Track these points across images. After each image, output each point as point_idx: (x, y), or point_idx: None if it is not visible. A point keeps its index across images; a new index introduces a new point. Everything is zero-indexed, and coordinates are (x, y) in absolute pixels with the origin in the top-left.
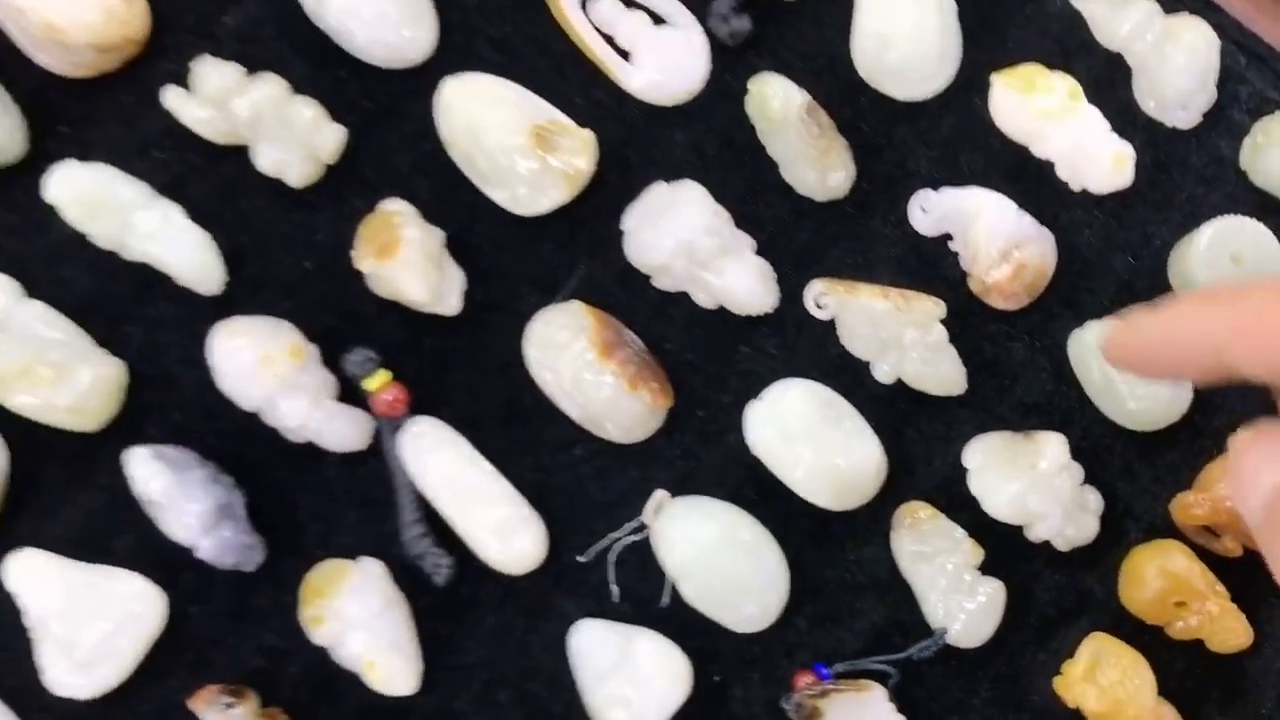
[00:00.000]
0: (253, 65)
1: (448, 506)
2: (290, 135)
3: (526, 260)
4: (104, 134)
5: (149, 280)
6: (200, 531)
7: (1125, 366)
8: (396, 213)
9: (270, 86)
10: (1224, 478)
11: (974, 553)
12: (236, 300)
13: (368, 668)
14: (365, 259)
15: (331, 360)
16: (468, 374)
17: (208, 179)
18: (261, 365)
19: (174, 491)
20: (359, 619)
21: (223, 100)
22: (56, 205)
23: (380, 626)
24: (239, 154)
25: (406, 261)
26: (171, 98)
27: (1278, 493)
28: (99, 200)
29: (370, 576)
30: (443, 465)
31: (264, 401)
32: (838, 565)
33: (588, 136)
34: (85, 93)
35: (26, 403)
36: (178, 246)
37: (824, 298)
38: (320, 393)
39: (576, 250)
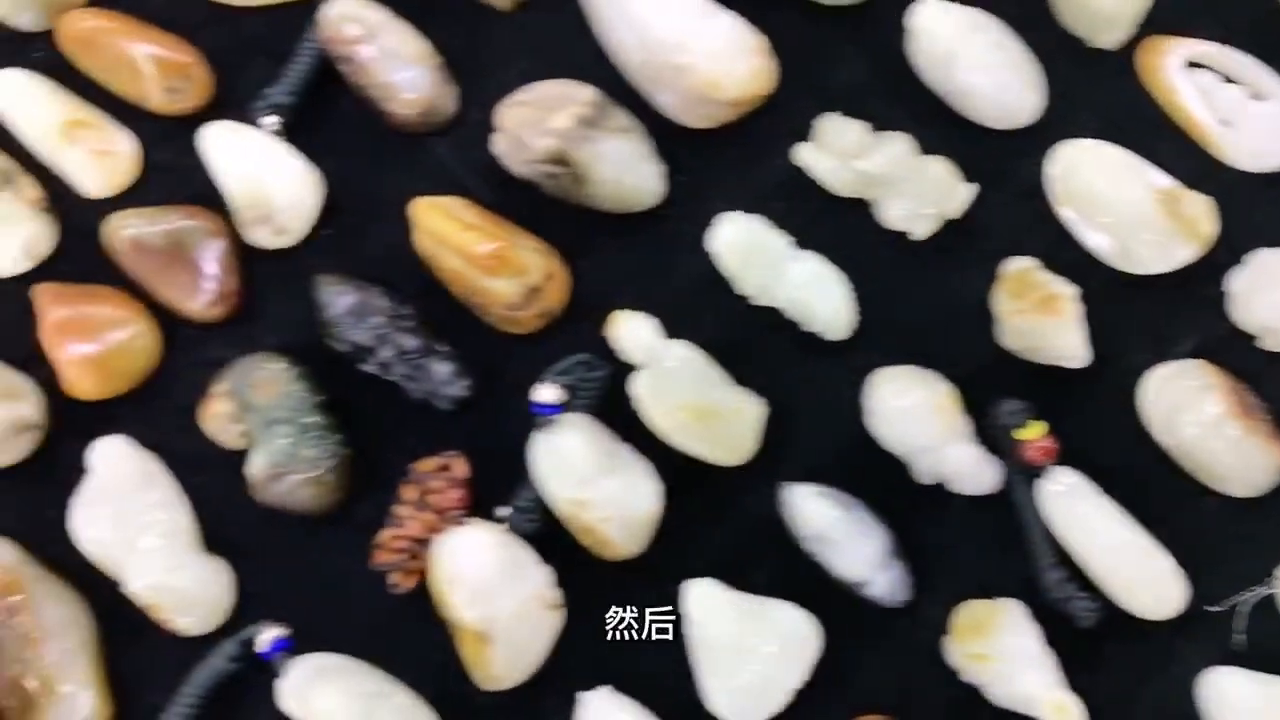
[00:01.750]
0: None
1: (1086, 553)
2: (920, 191)
3: (1140, 317)
4: (720, 183)
5: (775, 324)
6: (876, 567)
7: None
8: (1036, 269)
9: (902, 144)
10: None
11: None
12: (860, 346)
13: (1049, 708)
14: (1020, 314)
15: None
16: (1088, 425)
17: (827, 229)
18: (934, 413)
19: (847, 529)
20: (1025, 657)
21: (851, 155)
22: (718, 253)
23: (1046, 664)
24: (857, 206)
25: (1068, 318)
26: (804, 152)
27: None
28: (755, 250)
29: (1021, 617)
30: (1084, 514)
31: (928, 447)
32: None
33: (1209, 201)
34: (703, 143)
35: (682, 437)
36: (818, 294)
37: None
38: (971, 438)
39: (1184, 309)
